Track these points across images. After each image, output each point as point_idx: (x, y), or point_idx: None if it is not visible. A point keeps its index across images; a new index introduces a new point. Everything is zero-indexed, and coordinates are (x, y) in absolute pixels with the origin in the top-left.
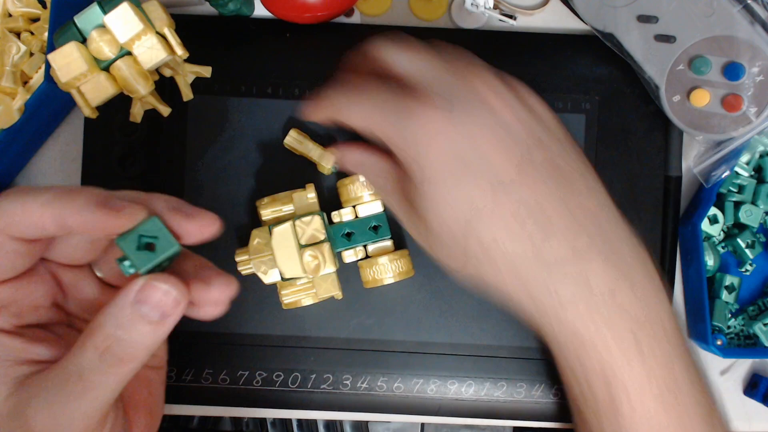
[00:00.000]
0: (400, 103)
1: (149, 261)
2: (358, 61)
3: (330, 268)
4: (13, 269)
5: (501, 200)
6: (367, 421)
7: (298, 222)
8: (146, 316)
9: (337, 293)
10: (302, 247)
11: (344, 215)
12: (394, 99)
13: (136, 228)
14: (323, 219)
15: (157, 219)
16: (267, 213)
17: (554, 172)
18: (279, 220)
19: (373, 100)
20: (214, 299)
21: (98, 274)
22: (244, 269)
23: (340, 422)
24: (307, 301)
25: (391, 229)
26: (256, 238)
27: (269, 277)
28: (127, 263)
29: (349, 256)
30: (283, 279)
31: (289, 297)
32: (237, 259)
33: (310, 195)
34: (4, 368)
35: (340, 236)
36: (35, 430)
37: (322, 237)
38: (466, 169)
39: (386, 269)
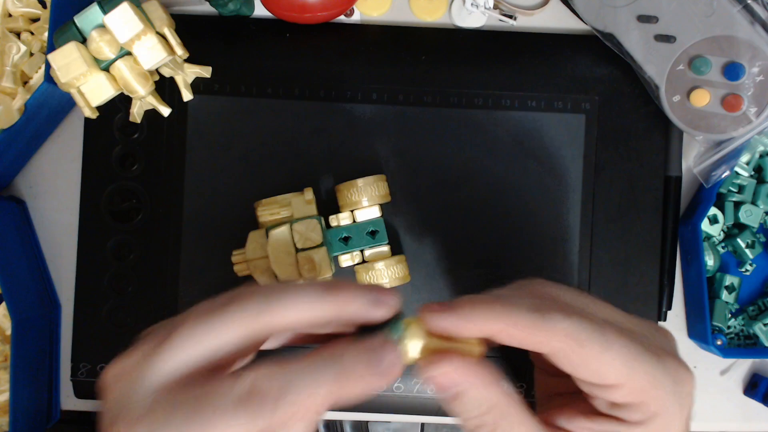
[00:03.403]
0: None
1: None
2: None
3: (326, 273)
4: None
5: None
6: (367, 421)
7: (295, 225)
8: (377, 374)
9: None
10: (298, 251)
11: (342, 219)
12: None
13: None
14: (320, 223)
15: None
16: (264, 215)
17: None
18: (276, 223)
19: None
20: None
21: None
22: (241, 271)
23: (340, 422)
24: None
25: (389, 234)
26: (253, 241)
27: (267, 281)
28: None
29: (346, 260)
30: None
31: None
32: (233, 260)
33: (308, 198)
34: None
35: (337, 240)
36: None
37: (318, 241)
38: None
39: (382, 274)
